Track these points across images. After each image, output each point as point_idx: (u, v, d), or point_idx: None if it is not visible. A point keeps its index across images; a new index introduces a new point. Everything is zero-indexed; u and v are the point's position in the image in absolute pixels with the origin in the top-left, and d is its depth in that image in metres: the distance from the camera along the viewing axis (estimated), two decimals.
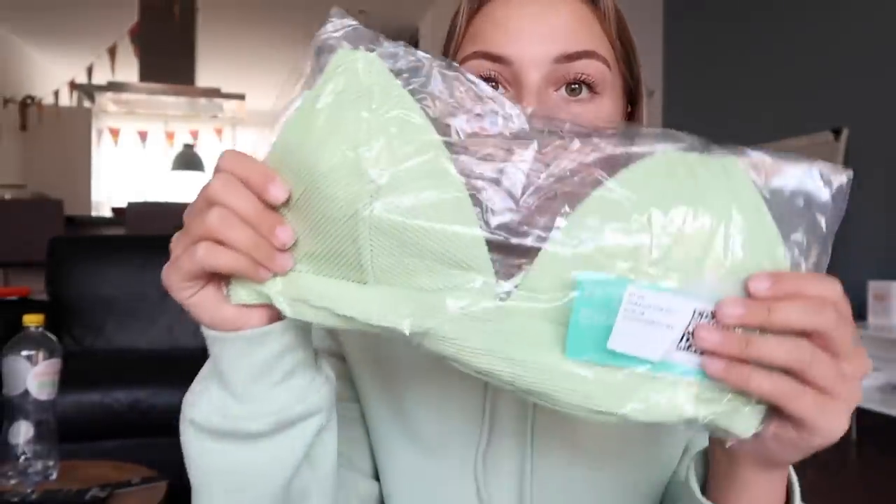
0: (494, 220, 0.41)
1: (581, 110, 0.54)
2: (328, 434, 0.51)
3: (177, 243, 0.43)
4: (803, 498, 0.48)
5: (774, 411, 0.40)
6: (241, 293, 0.44)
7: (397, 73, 0.42)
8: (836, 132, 3.71)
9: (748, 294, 0.38)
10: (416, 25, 6.75)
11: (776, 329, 0.37)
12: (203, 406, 0.47)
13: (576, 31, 0.54)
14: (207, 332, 0.46)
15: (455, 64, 0.43)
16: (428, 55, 0.43)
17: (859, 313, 3.34)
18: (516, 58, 0.53)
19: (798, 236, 0.40)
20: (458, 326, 0.40)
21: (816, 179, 0.40)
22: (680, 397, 0.39)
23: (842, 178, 0.40)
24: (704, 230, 0.39)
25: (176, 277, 0.43)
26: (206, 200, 0.42)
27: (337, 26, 0.43)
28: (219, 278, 0.44)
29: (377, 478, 0.64)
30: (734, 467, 0.45)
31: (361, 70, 0.41)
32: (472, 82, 0.43)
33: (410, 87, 0.42)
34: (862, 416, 3.16)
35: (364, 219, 0.40)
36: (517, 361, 0.40)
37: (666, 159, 0.41)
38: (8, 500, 1.19)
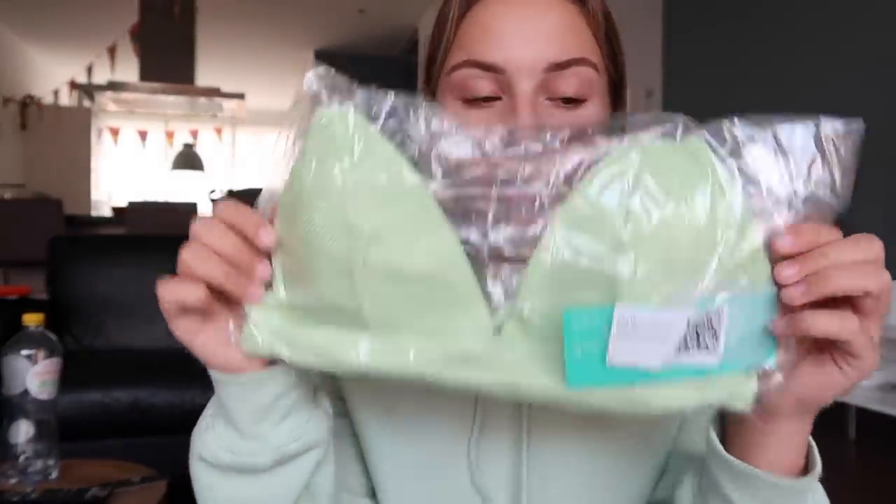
0: (490, 241, 0.42)
1: (571, 116, 0.54)
2: (326, 465, 0.55)
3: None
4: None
5: (813, 358, 0.43)
6: (253, 345, 0.47)
7: (374, 118, 0.43)
8: None
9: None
10: (415, 25, 6.75)
11: (834, 268, 0.40)
12: (211, 443, 0.51)
13: (565, 36, 0.54)
14: (213, 374, 0.49)
15: (421, 99, 0.44)
16: (402, 96, 0.44)
17: None
18: (508, 66, 0.53)
19: (794, 196, 0.42)
20: (456, 366, 0.43)
21: (809, 136, 0.43)
22: (686, 392, 0.42)
23: (853, 126, 0.43)
24: (681, 230, 0.39)
25: (168, 316, 0.46)
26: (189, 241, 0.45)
27: (312, 78, 0.44)
28: (214, 321, 0.47)
29: (371, 495, 0.64)
30: (772, 424, 0.47)
31: (339, 124, 0.42)
32: (445, 115, 0.44)
33: (392, 132, 0.43)
34: (862, 416, 3.16)
35: (360, 273, 0.41)
36: (523, 387, 0.43)
37: (628, 159, 0.40)
38: (8, 500, 1.19)
